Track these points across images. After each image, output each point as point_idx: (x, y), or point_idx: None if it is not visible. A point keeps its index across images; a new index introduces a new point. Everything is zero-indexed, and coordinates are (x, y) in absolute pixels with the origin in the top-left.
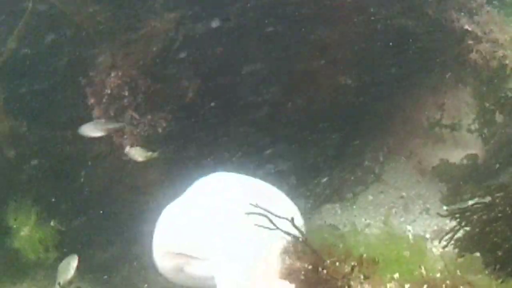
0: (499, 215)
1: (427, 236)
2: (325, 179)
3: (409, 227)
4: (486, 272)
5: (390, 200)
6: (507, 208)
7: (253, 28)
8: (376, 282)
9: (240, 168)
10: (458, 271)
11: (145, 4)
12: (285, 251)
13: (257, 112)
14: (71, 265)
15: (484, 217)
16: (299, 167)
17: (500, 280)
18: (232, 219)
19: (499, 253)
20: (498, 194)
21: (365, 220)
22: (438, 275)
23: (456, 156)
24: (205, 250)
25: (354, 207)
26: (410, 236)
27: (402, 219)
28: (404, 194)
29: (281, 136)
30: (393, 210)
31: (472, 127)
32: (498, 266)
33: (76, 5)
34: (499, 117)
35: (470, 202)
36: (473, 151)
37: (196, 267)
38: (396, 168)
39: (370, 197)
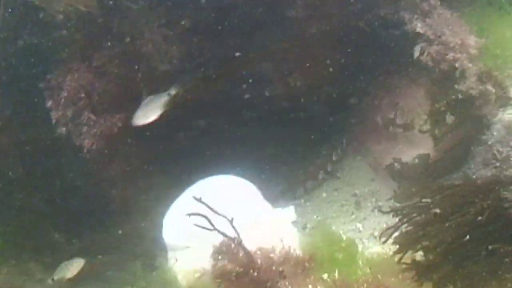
0: (436, 217)
1: (376, 234)
2: (278, 177)
3: (359, 225)
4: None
5: (343, 198)
6: (444, 211)
7: (207, 30)
8: (303, 283)
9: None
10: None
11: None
12: (218, 251)
13: (209, 110)
14: (74, 266)
15: (422, 217)
16: (253, 166)
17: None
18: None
19: (430, 256)
20: (437, 196)
21: (317, 217)
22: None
23: (409, 155)
24: None
25: (308, 204)
26: (344, 238)
27: (353, 217)
28: (357, 191)
29: (235, 135)
30: (345, 208)
31: (424, 128)
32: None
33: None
34: (449, 118)
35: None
36: (424, 151)
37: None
38: (352, 165)
39: (324, 194)
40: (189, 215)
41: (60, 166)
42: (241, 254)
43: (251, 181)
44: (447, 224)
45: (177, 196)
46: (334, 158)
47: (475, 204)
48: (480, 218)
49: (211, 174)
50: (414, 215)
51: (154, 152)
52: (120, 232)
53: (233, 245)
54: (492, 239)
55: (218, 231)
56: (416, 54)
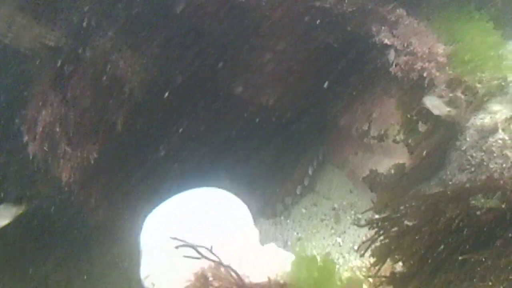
0: (408, 229)
1: (355, 247)
2: (257, 193)
3: (339, 239)
4: None
5: (323, 212)
6: (415, 222)
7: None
8: None
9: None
10: None
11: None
12: (202, 276)
13: (185, 134)
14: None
15: (395, 229)
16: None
17: None
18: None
19: (405, 268)
20: (409, 207)
21: (297, 234)
22: None
23: (385, 165)
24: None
25: (288, 221)
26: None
27: (332, 231)
28: (336, 205)
29: (214, 155)
30: (325, 222)
31: (398, 137)
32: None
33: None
34: (422, 127)
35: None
36: (400, 160)
37: None
38: (330, 178)
39: (303, 210)
40: (177, 247)
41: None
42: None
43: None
44: (417, 236)
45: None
46: (310, 172)
47: (445, 213)
48: (451, 227)
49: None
50: (388, 227)
51: (133, 178)
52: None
53: (222, 270)
54: (464, 247)
55: (208, 259)
56: (391, 58)
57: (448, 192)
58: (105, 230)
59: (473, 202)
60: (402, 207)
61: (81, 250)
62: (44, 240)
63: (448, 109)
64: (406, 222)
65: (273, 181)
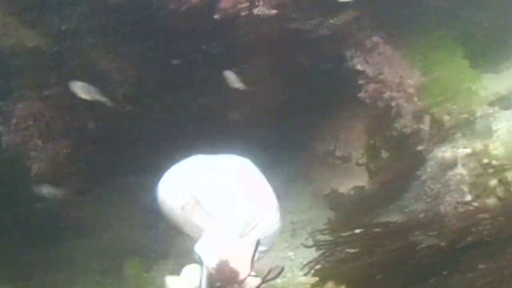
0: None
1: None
2: None
3: (291, 254)
4: None
5: (283, 225)
6: (357, 249)
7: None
8: None
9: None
10: None
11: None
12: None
13: (153, 144)
14: None
15: (337, 255)
16: None
17: None
18: (239, 193)
19: None
20: (353, 234)
21: None
22: None
23: (346, 186)
24: (211, 205)
25: None
26: None
27: (286, 245)
28: (294, 219)
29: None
30: (283, 236)
31: (361, 161)
32: None
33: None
34: (384, 154)
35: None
36: (360, 183)
37: (197, 215)
38: (295, 193)
39: None
40: None
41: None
42: None
43: None
44: (356, 265)
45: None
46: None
47: (384, 245)
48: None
49: None
50: (332, 251)
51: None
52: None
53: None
54: (400, 281)
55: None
56: None
57: (391, 225)
58: (76, 224)
59: (413, 238)
60: (347, 234)
61: (52, 243)
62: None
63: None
64: (347, 250)
65: None
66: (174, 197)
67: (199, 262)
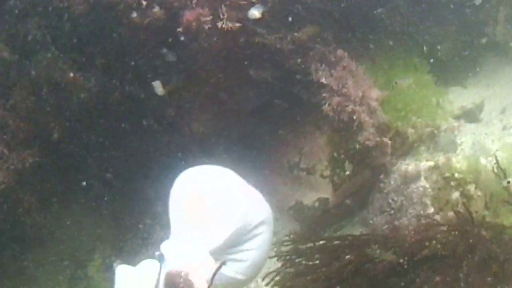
0: (305, 268)
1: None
2: None
3: None
4: None
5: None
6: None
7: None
8: None
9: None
10: None
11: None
12: None
13: (119, 156)
14: None
15: (294, 268)
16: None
17: None
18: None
19: None
20: (309, 247)
21: None
22: None
23: (310, 198)
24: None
25: None
26: None
27: None
28: None
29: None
30: None
31: (325, 173)
32: None
33: None
34: (348, 166)
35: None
36: (325, 195)
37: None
38: None
39: None
40: None
41: None
42: None
43: None
44: (312, 277)
45: None
46: None
47: (340, 258)
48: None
49: None
50: (291, 263)
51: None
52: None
53: None
54: None
55: None
56: None
57: (349, 238)
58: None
59: (369, 251)
60: (304, 247)
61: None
62: None
63: None
64: (304, 262)
65: None
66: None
67: (158, 260)
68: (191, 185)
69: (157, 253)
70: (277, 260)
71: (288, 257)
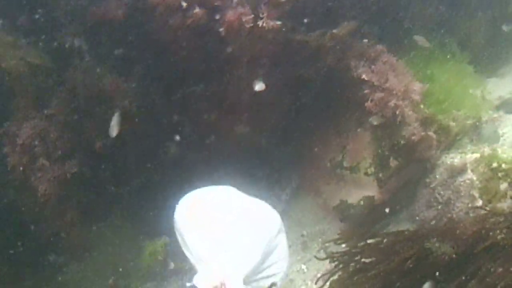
0: (364, 266)
1: (319, 275)
2: None
3: (303, 266)
4: None
5: (292, 238)
6: (372, 259)
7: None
8: None
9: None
10: None
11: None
12: None
13: (163, 163)
14: None
15: (352, 265)
16: None
17: None
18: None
19: None
20: (367, 244)
21: None
22: None
23: (355, 197)
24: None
25: None
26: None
27: (299, 257)
28: (305, 232)
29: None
30: (292, 249)
31: (369, 171)
32: None
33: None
34: (393, 162)
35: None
36: (370, 193)
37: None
38: (303, 206)
39: None
40: None
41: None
42: None
43: None
44: (373, 272)
45: None
46: (283, 198)
47: (400, 253)
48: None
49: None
50: (346, 262)
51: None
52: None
53: None
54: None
55: None
56: None
57: (405, 233)
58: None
59: (427, 245)
60: (361, 244)
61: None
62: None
63: None
64: (363, 259)
65: None
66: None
67: None
68: (206, 212)
69: (188, 285)
70: (330, 261)
71: (341, 258)
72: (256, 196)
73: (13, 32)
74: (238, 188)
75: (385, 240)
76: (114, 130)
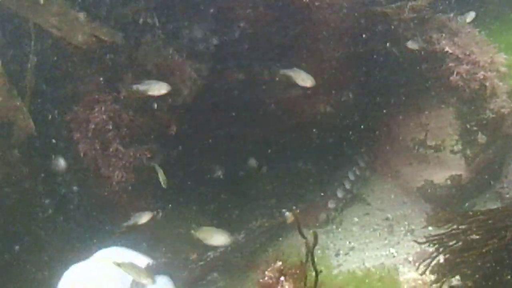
0: (474, 243)
1: (410, 259)
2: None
3: (392, 250)
4: None
5: (375, 222)
6: (480, 237)
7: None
8: None
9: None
10: None
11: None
12: None
13: (237, 142)
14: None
15: (458, 244)
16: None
17: None
18: None
19: (469, 283)
20: (473, 222)
21: (349, 243)
22: None
23: (440, 176)
24: None
25: (340, 229)
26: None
27: (386, 242)
28: (389, 215)
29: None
30: (378, 233)
31: (455, 148)
32: None
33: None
34: (481, 138)
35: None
36: (457, 172)
37: None
38: (382, 188)
39: (356, 219)
40: None
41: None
42: None
43: None
44: (484, 250)
45: None
46: (351, 177)
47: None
48: None
49: None
50: (451, 243)
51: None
52: None
53: None
54: None
55: None
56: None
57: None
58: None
59: None
60: (464, 223)
61: None
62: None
63: None
64: (471, 237)
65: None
66: None
67: None
68: None
69: None
70: (428, 245)
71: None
72: None
73: (83, 7)
74: None
75: (488, 217)
76: None
